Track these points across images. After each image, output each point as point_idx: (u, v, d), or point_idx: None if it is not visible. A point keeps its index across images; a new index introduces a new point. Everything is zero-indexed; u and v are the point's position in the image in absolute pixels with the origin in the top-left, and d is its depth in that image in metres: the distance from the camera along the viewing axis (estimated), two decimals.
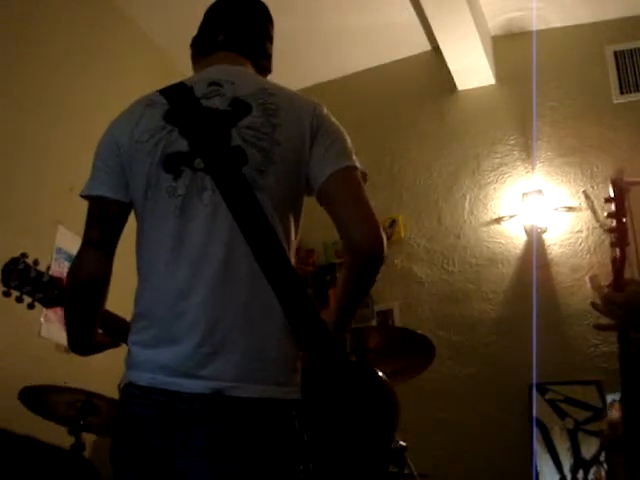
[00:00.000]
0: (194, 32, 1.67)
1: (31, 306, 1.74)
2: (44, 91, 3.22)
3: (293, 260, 1.40)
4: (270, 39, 1.67)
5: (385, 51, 4.37)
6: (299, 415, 1.33)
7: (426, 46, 4.37)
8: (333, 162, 1.43)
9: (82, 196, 1.49)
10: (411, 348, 2.79)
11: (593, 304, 1.83)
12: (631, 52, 3.95)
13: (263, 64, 1.64)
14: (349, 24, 4.12)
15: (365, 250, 1.37)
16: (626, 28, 3.98)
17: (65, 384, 2.54)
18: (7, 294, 1.71)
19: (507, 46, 4.25)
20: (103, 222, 1.47)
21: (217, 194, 1.36)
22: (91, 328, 1.55)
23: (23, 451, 2.26)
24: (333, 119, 1.51)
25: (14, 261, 1.72)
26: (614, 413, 2.02)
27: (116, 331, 1.65)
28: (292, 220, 1.44)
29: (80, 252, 1.49)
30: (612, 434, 2.03)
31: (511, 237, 3.92)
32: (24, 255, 1.74)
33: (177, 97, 1.48)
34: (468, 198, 4.10)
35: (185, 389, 1.27)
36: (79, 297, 1.49)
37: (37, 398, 2.54)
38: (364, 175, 1.47)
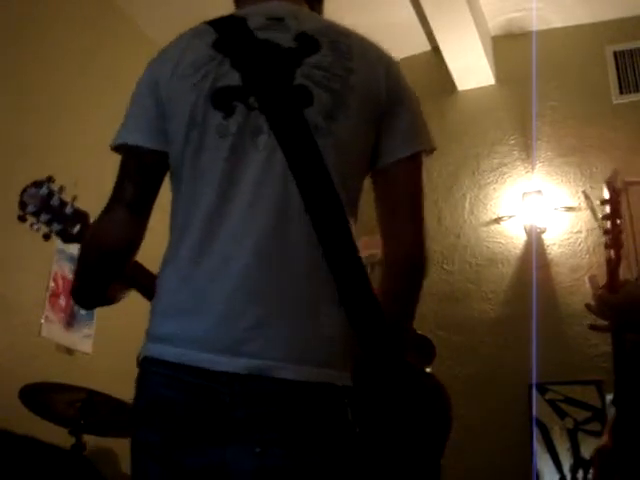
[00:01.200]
0: None
1: (47, 237, 1.55)
2: (44, 91, 3.22)
3: (354, 228, 1.19)
4: None
5: None
6: (352, 404, 1.14)
7: (426, 46, 4.37)
8: (407, 143, 1.24)
9: (112, 148, 1.27)
10: (411, 348, 2.79)
11: (588, 306, 1.83)
12: (631, 52, 3.96)
13: (318, 9, 1.42)
14: (348, 24, 4.10)
15: (406, 267, 1.22)
16: (626, 28, 3.99)
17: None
18: (22, 219, 1.54)
19: (507, 46, 4.26)
20: (138, 177, 1.24)
21: (273, 138, 1.15)
22: (105, 289, 1.33)
23: (23, 451, 2.26)
24: (408, 82, 1.30)
25: (37, 184, 1.53)
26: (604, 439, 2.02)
27: (144, 289, 1.40)
28: (357, 182, 1.22)
29: (107, 211, 1.24)
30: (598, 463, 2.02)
31: (511, 237, 3.92)
32: (50, 179, 1.54)
33: (228, 26, 1.26)
34: (468, 198, 4.10)
35: (222, 367, 1.07)
36: (99, 264, 1.26)
37: (37, 397, 2.53)
38: (430, 153, 1.28)
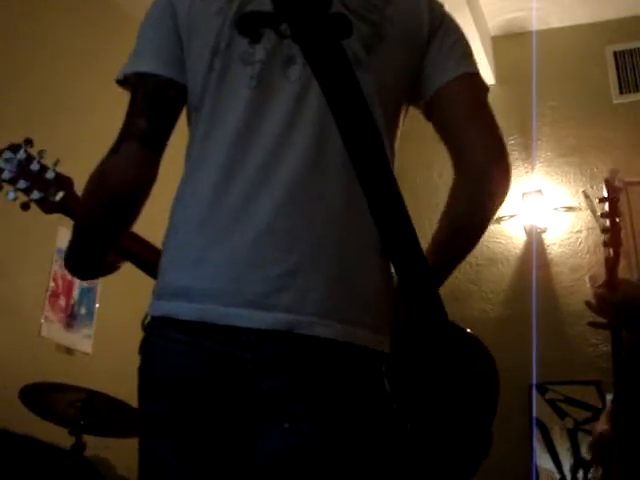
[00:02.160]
0: None
1: (25, 206, 1.38)
2: (44, 91, 3.22)
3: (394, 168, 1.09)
4: None
5: None
6: (389, 374, 1.01)
7: None
8: (457, 63, 1.13)
9: (120, 80, 1.12)
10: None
11: (587, 303, 1.84)
12: (631, 52, 3.96)
13: None
14: None
15: (492, 176, 1.10)
16: (626, 28, 3.99)
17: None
18: None
19: (507, 46, 4.26)
20: (153, 109, 1.08)
21: (308, 69, 1.03)
22: (106, 251, 1.17)
23: (23, 451, 2.26)
24: (454, 19, 1.20)
25: (14, 148, 1.38)
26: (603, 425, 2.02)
27: (136, 258, 1.27)
28: (397, 119, 1.13)
29: (116, 146, 1.08)
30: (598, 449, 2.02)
31: (511, 237, 3.92)
32: (28, 142, 1.39)
33: None
34: None
35: (250, 323, 0.93)
36: (106, 210, 1.09)
37: (37, 397, 2.53)
38: (484, 84, 1.16)
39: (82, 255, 1.19)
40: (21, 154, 1.37)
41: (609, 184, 1.91)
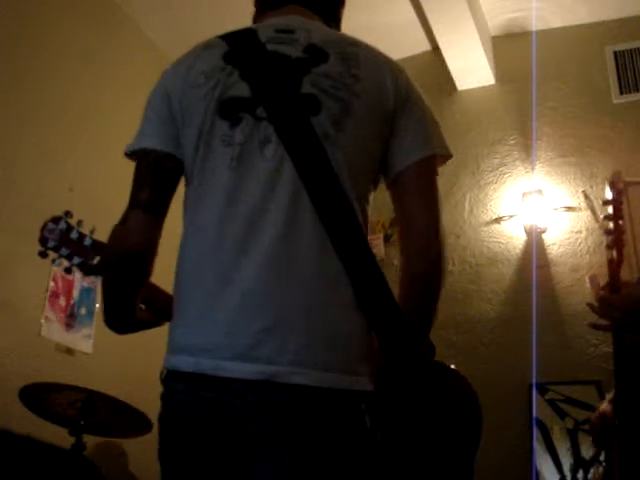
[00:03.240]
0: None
1: (68, 270, 1.58)
2: (44, 91, 3.22)
3: (366, 232, 1.20)
4: (343, 4, 1.51)
5: (385, 51, 4.33)
6: (370, 410, 1.12)
7: (426, 46, 4.36)
8: (418, 147, 1.24)
9: (128, 154, 1.31)
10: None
11: (590, 305, 1.84)
12: (631, 52, 3.95)
13: (334, 27, 1.45)
14: (349, 24, 4.10)
15: (427, 261, 1.22)
16: (626, 28, 3.98)
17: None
18: (44, 255, 1.58)
19: (507, 46, 4.25)
20: (154, 180, 1.27)
21: (282, 147, 1.17)
22: (132, 303, 1.35)
23: (23, 451, 2.26)
24: (418, 90, 1.31)
25: (55, 220, 1.58)
26: (605, 406, 2.02)
27: (161, 309, 1.45)
28: (366, 189, 1.24)
29: (126, 215, 1.28)
30: (599, 426, 2.03)
31: (511, 237, 3.92)
32: (68, 214, 1.59)
33: (239, 39, 1.29)
34: (468, 198, 4.10)
35: (236, 374, 1.08)
36: (122, 267, 1.29)
37: (37, 397, 2.54)
38: (446, 159, 1.29)
39: (113, 307, 1.35)
40: (62, 224, 1.57)
41: (613, 186, 1.91)
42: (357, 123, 1.20)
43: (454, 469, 1.57)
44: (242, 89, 1.21)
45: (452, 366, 1.94)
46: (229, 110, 1.21)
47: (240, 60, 1.25)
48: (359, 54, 1.27)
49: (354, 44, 1.30)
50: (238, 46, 1.27)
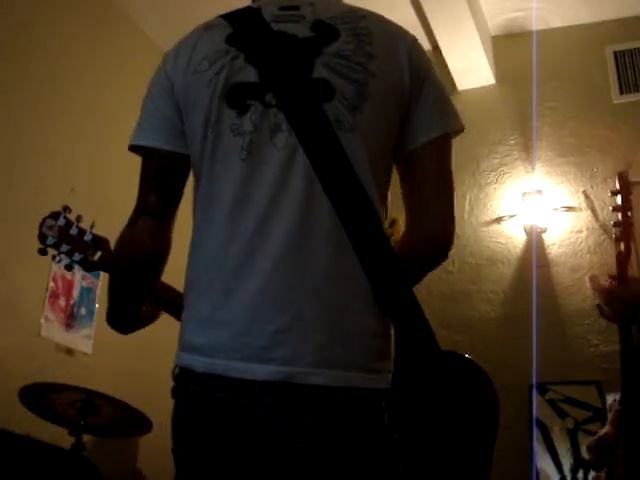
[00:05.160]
0: None
1: (69, 267, 1.54)
2: (44, 91, 3.22)
3: (384, 221, 1.17)
4: None
5: None
6: (389, 408, 1.10)
7: (426, 46, 4.33)
8: (435, 124, 1.19)
9: (130, 148, 1.25)
10: None
11: (599, 306, 1.83)
12: (631, 52, 3.95)
13: None
14: None
15: (440, 246, 1.21)
16: (626, 28, 3.98)
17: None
18: (43, 252, 1.53)
19: (507, 46, 4.25)
20: (159, 182, 1.21)
21: (294, 136, 1.11)
22: (138, 306, 1.30)
23: (23, 451, 2.26)
24: (429, 61, 1.26)
25: (54, 215, 1.53)
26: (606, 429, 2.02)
27: (168, 306, 1.42)
28: (386, 174, 1.19)
29: (133, 220, 1.22)
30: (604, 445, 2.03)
31: (511, 237, 3.92)
32: (66, 209, 1.54)
33: (242, 19, 1.21)
34: (468, 198, 4.10)
35: (251, 376, 1.04)
36: (134, 272, 1.23)
37: (37, 397, 2.54)
38: (457, 133, 1.25)
39: (119, 310, 1.31)
40: (61, 220, 1.52)
41: (622, 178, 1.90)
42: (374, 106, 1.14)
43: (475, 459, 1.54)
44: (249, 74, 1.14)
45: (467, 355, 1.91)
46: (236, 97, 1.13)
47: (245, 42, 1.17)
48: (371, 29, 1.20)
49: (365, 17, 1.22)
50: (242, 27, 1.19)
